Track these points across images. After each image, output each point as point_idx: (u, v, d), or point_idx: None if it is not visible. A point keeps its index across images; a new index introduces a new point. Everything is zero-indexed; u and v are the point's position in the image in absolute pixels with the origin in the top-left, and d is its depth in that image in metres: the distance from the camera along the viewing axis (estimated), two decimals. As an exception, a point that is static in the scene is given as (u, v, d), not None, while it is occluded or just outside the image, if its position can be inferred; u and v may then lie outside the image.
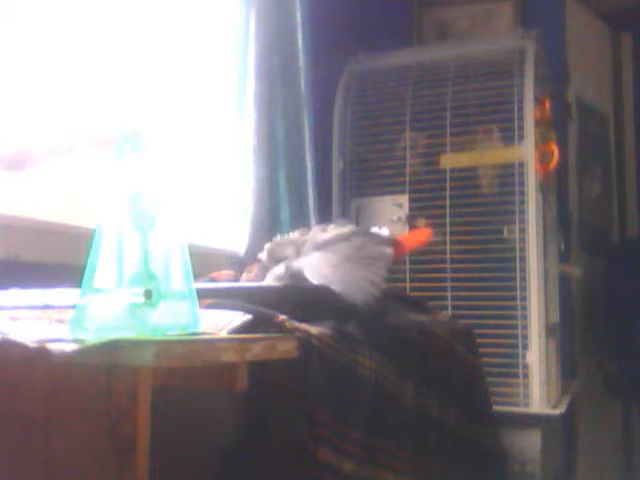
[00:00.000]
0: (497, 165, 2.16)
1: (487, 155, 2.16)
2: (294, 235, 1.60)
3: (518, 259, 2.03)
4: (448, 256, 2.09)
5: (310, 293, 1.45)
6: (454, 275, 2.08)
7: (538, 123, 2.09)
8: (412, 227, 2.16)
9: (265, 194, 1.97)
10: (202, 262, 1.46)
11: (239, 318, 0.99)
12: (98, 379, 0.78)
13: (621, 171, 3.37)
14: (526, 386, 2.00)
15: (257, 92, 1.98)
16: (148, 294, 0.82)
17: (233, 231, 1.99)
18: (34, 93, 1.50)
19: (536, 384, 1.99)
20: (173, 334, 0.85)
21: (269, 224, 1.98)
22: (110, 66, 1.64)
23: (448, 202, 2.10)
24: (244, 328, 0.97)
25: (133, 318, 0.82)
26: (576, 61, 2.85)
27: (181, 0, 1.93)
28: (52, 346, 0.76)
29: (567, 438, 2.47)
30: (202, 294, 0.93)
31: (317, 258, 1.45)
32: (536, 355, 1.99)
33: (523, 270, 2.02)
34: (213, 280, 1.59)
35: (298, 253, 1.52)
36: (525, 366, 2.00)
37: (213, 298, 1.07)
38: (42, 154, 1.49)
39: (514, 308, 2.02)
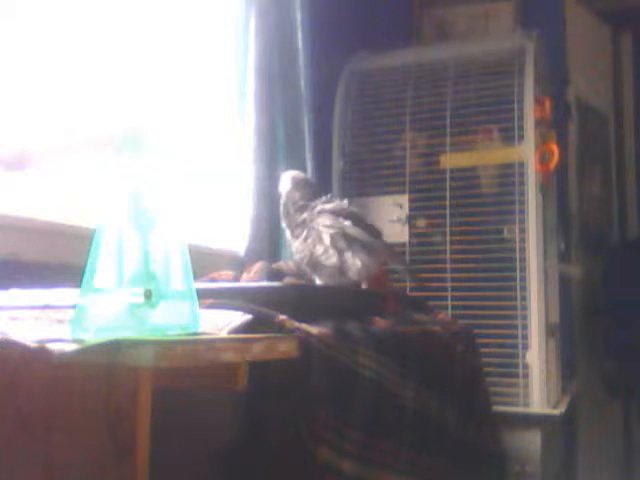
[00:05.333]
0: (497, 165, 2.17)
1: (487, 155, 2.16)
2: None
3: (518, 259, 2.03)
4: (448, 256, 2.09)
5: (310, 293, 1.45)
6: (454, 275, 2.08)
7: (538, 123, 2.09)
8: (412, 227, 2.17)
9: (265, 194, 1.97)
10: (202, 262, 1.46)
11: (239, 318, 0.99)
12: (98, 379, 0.78)
13: (621, 171, 3.37)
14: (526, 386, 2.00)
15: (257, 92, 1.98)
16: (148, 294, 0.82)
17: (233, 231, 1.99)
18: (34, 93, 1.50)
19: (536, 384, 1.99)
20: (173, 334, 0.85)
21: (269, 224, 1.98)
22: (110, 66, 1.64)
23: (448, 202, 2.10)
24: (244, 328, 0.97)
25: (133, 318, 0.82)
26: (576, 61, 2.85)
27: (181, 0, 1.94)
28: (52, 346, 0.76)
29: (567, 438, 2.47)
30: (202, 294, 0.93)
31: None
32: (536, 355, 1.99)
33: (523, 270, 2.02)
34: (213, 280, 1.60)
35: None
36: (525, 366, 2.00)
37: (213, 298, 1.07)
38: (42, 154, 1.49)
39: (514, 308, 2.02)
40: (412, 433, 1.31)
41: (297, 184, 1.63)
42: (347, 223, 1.54)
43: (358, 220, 1.58)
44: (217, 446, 1.10)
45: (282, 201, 1.63)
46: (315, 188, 1.68)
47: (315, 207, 1.58)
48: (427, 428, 1.37)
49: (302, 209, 1.59)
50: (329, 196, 1.65)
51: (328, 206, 1.58)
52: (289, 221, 1.61)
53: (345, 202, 1.62)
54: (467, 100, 2.14)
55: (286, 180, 1.65)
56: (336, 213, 1.56)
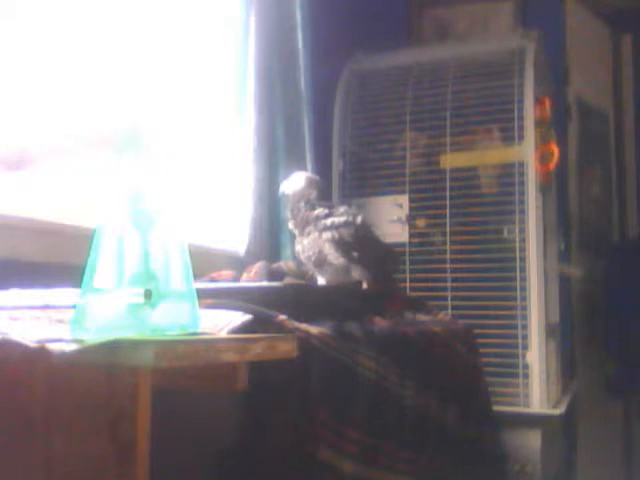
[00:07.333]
0: (497, 165, 2.16)
1: (487, 155, 2.16)
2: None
3: (518, 259, 2.03)
4: (448, 256, 2.09)
5: (310, 293, 1.45)
6: (454, 275, 2.08)
7: (538, 123, 2.09)
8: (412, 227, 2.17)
9: (265, 194, 1.97)
10: (202, 262, 1.46)
11: (239, 318, 0.99)
12: (98, 379, 0.78)
13: (621, 171, 3.37)
14: (526, 386, 2.00)
15: (257, 92, 1.98)
16: (148, 294, 0.82)
17: (233, 231, 1.99)
18: (34, 93, 1.50)
19: (536, 384, 1.99)
20: (173, 334, 0.85)
21: (269, 224, 1.98)
22: (110, 66, 1.64)
23: (448, 202, 2.10)
24: (244, 328, 0.97)
25: (133, 318, 0.82)
26: (576, 61, 2.85)
27: (181, 0, 1.94)
28: (52, 346, 0.76)
29: (567, 438, 2.47)
30: (202, 294, 0.93)
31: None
32: (536, 355, 1.99)
33: (523, 270, 2.02)
34: (213, 280, 1.60)
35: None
36: (525, 366, 2.00)
37: (213, 298, 1.07)
38: (42, 154, 1.49)
39: (514, 308, 2.02)
40: (412, 433, 1.31)
41: (310, 184, 1.64)
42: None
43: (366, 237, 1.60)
44: (217, 446, 1.10)
45: (291, 199, 1.63)
46: (326, 189, 1.70)
47: (325, 215, 1.59)
48: (427, 428, 1.37)
49: (313, 207, 1.60)
50: (339, 207, 1.66)
51: (337, 220, 1.58)
52: (298, 219, 1.61)
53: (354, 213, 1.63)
54: (467, 100, 2.14)
55: (298, 179, 1.65)
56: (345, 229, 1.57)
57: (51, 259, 1.40)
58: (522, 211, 2.04)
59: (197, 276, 0.93)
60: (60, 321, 0.92)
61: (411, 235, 2.17)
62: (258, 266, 1.72)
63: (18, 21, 1.47)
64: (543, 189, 2.14)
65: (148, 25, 1.78)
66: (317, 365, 1.07)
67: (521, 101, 2.07)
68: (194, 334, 0.87)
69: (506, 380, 1.99)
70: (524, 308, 2.01)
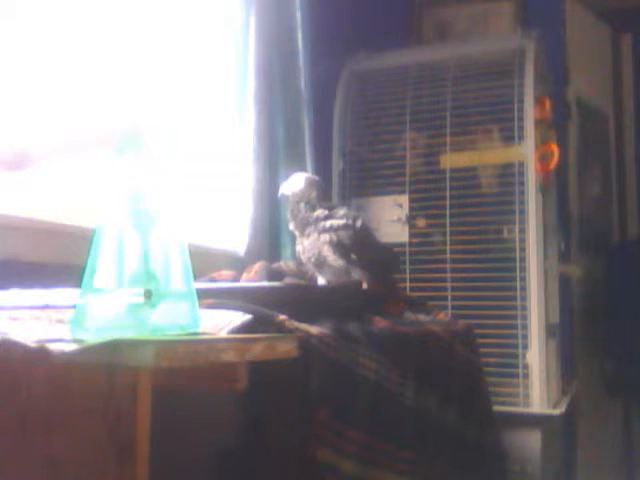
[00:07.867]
0: (497, 165, 2.17)
1: (487, 155, 2.16)
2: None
3: (518, 259, 2.03)
4: (448, 256, 2.09)
5: (310, 293, 1.45)
6: (454, 275, 2.08)
7: (538, 123, 2.09)
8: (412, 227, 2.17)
9: (265, 194, 1.97)
10: (202, 262, 1.45)
11: (239, 318, 0.99)
12: (98, 379, 0.78)
13: (621, 171, 3.37)
14: (526, 386, 2.00)
15: (257, 92, 1.98)
16: (148, 294, 0.82)
17: (233, 231, 1.99)
18: (34, 93, 1.50)
19: (536, 384, 1.99)
20: (173, 334, 0.85)
21: (269, 224, 1.98)
22: (110, 66, 1.64)
23: (448, 202, 2.10)
24: (244, 328, 0.97)
25: (133, 318, 0.83)
26: (576, 61, 2.85)
27: (181, 0, 1.93)
28: (52, 346, 0.76)
29: (567, 438, 2.47)
30: (202, 294, 0.93)
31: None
32: (536, 355, 1.99)
33: (523, 270, 2.02)
34: (213, 280, 1.59)
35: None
36: (525, 366, 2.00)
37: (213, 298, 1.07)
38: (42, 154, 1.49)
39: (514, 308, 2.02)
40: (412, 433, 1.31)
41: (310, 184, 1.64)
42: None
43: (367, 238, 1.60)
44: (217, 446, 1.10)
45: (292, 200, 1.63)
46: (326, 189, 1.70)
47: (325, 217, 1.59)
48: (427, 428, 1.37)
49: (313, 208, 1.60)
50: (339, 208, 1.65)
51: (336, 222, 1.58)
52: (299, 220, 1.61)
53: (354, 215, 1.63)
54: (467, 100, 2.14)
55: (298, 181, 1.65)
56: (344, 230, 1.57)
57: (51, 259, 1.40)
58: (522, 211, 2.04)
59: (197, 276, 0.93)
60: (60, 321, 0.92)
61: (411, 235, 2.17)
62: (258, 266, 1.72)
63: (18, 21, 1.47)
64: (543, 189, 2.14)
65: (148, 25, 1.78)
66: (317, 365, 1.07)
67: (521, 101, 2.07)
68: (194, 334, 0.87)
69: (506, 380, 1.99)
70: (524, 308, 2.01)
